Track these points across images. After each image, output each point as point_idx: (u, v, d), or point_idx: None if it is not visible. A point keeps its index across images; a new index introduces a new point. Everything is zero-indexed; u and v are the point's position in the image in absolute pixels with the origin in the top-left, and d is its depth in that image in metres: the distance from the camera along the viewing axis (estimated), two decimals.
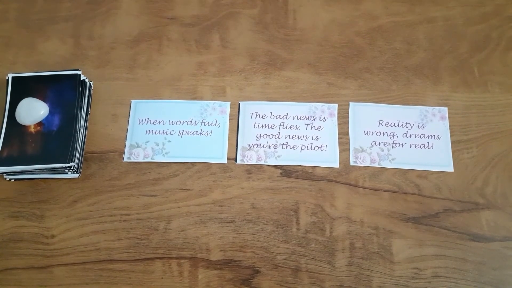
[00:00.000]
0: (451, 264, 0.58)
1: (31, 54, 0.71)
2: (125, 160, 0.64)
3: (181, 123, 0.66)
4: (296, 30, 0.73)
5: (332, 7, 0.74)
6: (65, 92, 0.65)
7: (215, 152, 0.65)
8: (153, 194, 0.62)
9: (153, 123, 0.67)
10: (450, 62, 0.70)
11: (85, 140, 0.65)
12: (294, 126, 0.66)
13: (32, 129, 0.63)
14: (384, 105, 0.67)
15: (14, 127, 0.63)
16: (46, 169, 0.61)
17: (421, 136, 0.65)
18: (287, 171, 0.63)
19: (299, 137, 0.65)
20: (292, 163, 0.64)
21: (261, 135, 0.66)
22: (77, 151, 0.62)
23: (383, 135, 0.65)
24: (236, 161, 0.64)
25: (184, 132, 0.66)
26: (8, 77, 0.66)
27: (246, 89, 0.68)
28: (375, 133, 0.65)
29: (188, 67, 0.70)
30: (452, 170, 0.63)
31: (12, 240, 0.60)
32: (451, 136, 0.65)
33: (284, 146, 0.65)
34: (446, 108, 0.67)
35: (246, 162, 0.64)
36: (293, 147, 0.65)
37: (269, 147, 0.65)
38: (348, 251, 0.59)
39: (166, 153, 0.65)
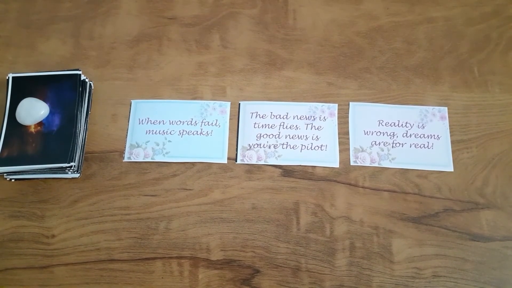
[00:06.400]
0: (451, 263, 0.58)
1: (31, 54, 0.71)
2: (126, 160, 0.64)
3: (181, 123, 0.67)
4: (296, 30, 0.73)
5: (332, 7, 0.74)
6: (65, 92, 0.65)
7: (215, 152, 0.65)
8: (154, 194, 0.62)
9: (153, 123, 0.67)
10: (450, 62, 0.70)
11: (85, 140, 0.65)
12: (294, 126, 0.66)
13: (32, 129, 0.63)
14: (384, 105, 0.67)
15: (15, 127, 0.63)
16: (46, 169, 0.61)
17: (421, 136, 0.65)
18: (287, 171, 0.63)
19: (299, 137, 0.65)
20: (292, 163, 0.64)
21: (261, 135, 0.66)
22: (78, 151, 0.62)
23: (383, 135, 0.65)
24: (236, 161, 0.64)
25: (184, 132, 0.66)
26: (8, 77, 0.66)
27: (246, 89, 0.69)
28: (375, 133, 0.65)
29: (188, 67, 0.70)
30: (452, 170, 0.63)
31: (13, 240, 0.60)
32: (451, 136, 0.65)
33: (284, 146, 0.65)
34: (446, 108, 0.67)
35: (246, 162, 0.64)
36: (293, 147, 0.65)
37: (269, 147, 0.65)
38: (348, 251, 0.59)
39: (167, 153, 0.65)
